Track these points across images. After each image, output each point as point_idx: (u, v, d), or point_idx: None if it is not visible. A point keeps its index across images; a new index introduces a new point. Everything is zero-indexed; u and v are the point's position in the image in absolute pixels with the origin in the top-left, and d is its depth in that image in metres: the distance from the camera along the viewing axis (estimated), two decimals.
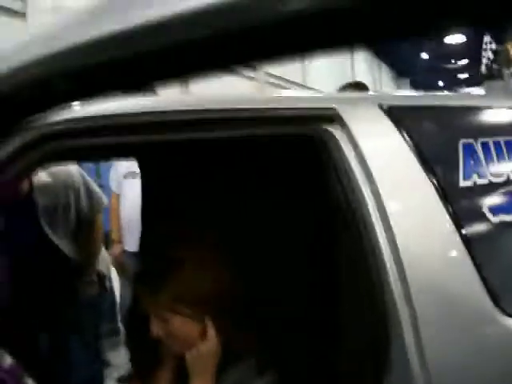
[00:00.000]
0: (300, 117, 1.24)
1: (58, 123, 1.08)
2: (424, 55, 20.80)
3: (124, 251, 3.79)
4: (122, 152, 2.08)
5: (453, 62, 21.43)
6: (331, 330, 1.28)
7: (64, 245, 2.69)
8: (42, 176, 2.55)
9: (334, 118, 1.28)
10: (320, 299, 1.48)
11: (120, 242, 3.82)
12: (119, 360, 3.70)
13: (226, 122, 1.18)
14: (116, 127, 1.15)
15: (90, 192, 2.76)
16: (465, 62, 21.01)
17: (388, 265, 1.16)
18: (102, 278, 2.90)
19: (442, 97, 1.62)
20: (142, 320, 1.42)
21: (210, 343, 1.37)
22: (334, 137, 1.26)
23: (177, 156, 1.85)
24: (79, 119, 1.12)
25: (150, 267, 1.46)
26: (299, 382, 1.53)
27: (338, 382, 1.26)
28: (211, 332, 1.37)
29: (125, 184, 3.77)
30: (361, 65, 18.39)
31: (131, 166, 3.73)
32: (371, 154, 1.26)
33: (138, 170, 3.69)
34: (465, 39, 17.60)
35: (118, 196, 3.86)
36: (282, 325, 1.56)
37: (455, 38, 17.59)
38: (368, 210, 1.20)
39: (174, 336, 1.38)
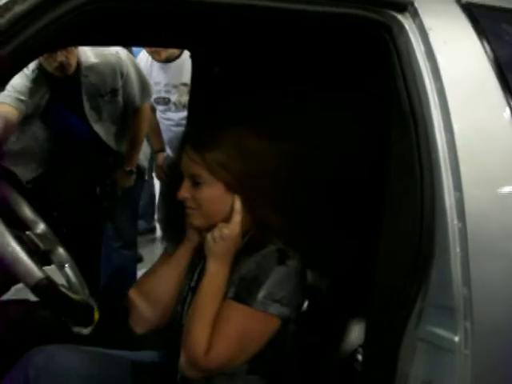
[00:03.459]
0: None
1: None
2: None
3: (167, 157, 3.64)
4: (175, 38, 2.00)
5: None
6: (372, 229, 1.21)
7: (107, 132, 2.66)
8: (89, 57, 2.49)
9: (406, 6, 1.15)
10: (365, 198, 1.41)
11: (162, 150, 3.64)
12: (153, 256, 3.77)
13: None
14: None
15: (139, 78, 2.69)
16: None
17: (443, 169, 1.07)
18: (142, 170, 2.88)
19: None
20: (174, 189, 1.38)
21: (233, 228, 1.33)
22: (404, 27, 1.14)
23: (230, 42, 1.77)
24: None
25: (203, 124, 1.43)
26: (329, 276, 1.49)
27: (369, 285, 1.20)
28: (237, 217, 1.34)
29: (160, 108, 3.47)
30: None
31: (159, 90, 3.40)
32: (442, 52, 1.14)
33: (167, 95, 3.34)
34: None
35: (151, 108, 3.52)
36: (320, 218, 1.52)
37: None
38: (430, 110, 1.10)
39: (200, 205, 1.35)
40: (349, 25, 1.18)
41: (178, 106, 3.39)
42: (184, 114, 3.17)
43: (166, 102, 3.41)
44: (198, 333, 1.29)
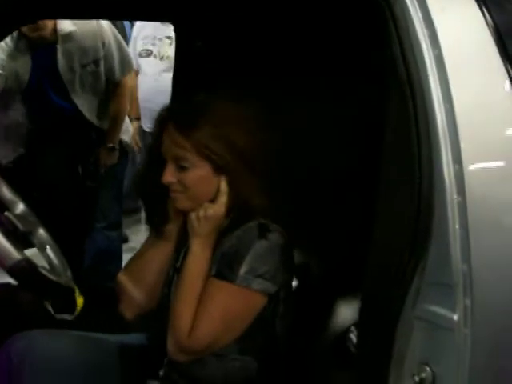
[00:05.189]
0: None
1: None
2: None
3: (141, 129, 3.84)
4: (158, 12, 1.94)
5: None
6: (364, 205, 1.17)
7: (89, 107, 2.58)
8: (68, 25, 2.40)
9: None
10: (357, 175, 1.37)
11: (138, 119, 3.82)
12: (139, 237, 3.71)
13: None
14: None
15: (121, 50, 2.61)
16: None
17: (442, 141, 1.03)
18: (125, 148, 2.82)
19: None
20: (155, 171, 1.35)
21: (218, 208, 1.31)
22: None
23: (215, 15, 1.71)
24: None
25: (187, 103, 1.39)
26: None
27: (362, 263, 1.17)
28: (223, 197, 1.31)
29: (142, 62, 3.73)
30: None
31: (146, 43, 3.70)
32: (440, 19, 1.08)
33: (151, 48, 3.68)
34: None
35: (135, 72, 3.71)
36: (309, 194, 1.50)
37: None
38: (428, 80, 1.05)
39: (186, 188, 1.32)
40: None
41: (157, 57, 3.64)
42: (162, 66, 3.52)
43: (148, 53, 3.68)
44: (182, 313, 1.27)
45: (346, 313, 1.47)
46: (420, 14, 1.08)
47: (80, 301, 1.26)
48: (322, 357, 1.49)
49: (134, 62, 3.35)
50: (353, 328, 1.42)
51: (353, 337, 1.42)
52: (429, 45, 1.06)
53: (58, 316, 1.26)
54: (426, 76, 1.05)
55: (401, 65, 1.06)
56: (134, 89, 3.69)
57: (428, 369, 1.08)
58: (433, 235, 1.05)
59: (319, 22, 1.44)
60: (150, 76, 3.66)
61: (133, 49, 3.73)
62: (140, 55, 3.71)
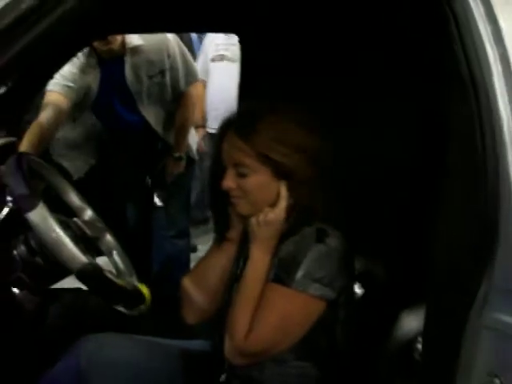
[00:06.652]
0: None
1: None
2: None
3: (206, 134, 3.97)
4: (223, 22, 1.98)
5: None
6: (428, 212, 1.14)
7: (156, 118, 2.65)
8: (134, 37, 2.48)
9: None
10: (418, 180, 1.34)
11: (203, 126, 3.96)
12: (206, 247, 3.75)
13: None
14: None
15: (186, 61, 2.67)
16: None
17: (508, 145, 0.98)
18: (191, 157, 2.86)
19: None
20: (218, 178, 1.37)
21: (279, 213, 1.31)
22: None
23: (280, 25, 1.72)
24: None
25: (247, 110, 1.41)
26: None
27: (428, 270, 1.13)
28: (283, 202, 1.31)
29: (212, 67, 3.88)
30: None
31: (220, 49, 3.83)
32: (504, 14, 1.04)
33: (225, 53, 3.84)
34: None
35: (204, 83, 3.87)
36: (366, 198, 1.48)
37: None
38: (492, 80, 1.01)
39: (246, 193, 1.33)
40: None
41: (230, 61, 3.78)
42: (234, 70, 3.40)
43: (221, 58, 3.87)
44: (239, 317, 1.28)
45: (412, 322, 1.43)
46: (482, 10, 1.04)
47: (146, 292, 1.29)
48: (385, 365, 1.45)
49: (198, 72, 3.46)
50: (419, 338, 1.38)
51: (419, 346, 1.38)
52: (493, 43, 1.02)
53: (129, 312, 1.30)
54: (490, 76, 1.01)
55: (463, 65, 1.03)
56: (201, 97, 3.82)
57: (497, 380, 1.03)
58: (500, 240, 1.01)
59: (378, 18, 1.42)
60: (220, 79, 3.79)
61: (204, 55, 3.92)
62: (212, 60, 3.87)
